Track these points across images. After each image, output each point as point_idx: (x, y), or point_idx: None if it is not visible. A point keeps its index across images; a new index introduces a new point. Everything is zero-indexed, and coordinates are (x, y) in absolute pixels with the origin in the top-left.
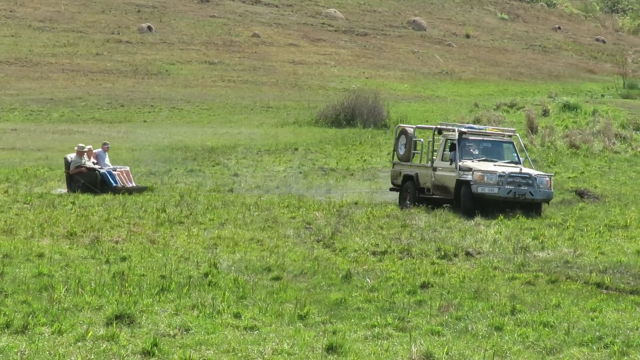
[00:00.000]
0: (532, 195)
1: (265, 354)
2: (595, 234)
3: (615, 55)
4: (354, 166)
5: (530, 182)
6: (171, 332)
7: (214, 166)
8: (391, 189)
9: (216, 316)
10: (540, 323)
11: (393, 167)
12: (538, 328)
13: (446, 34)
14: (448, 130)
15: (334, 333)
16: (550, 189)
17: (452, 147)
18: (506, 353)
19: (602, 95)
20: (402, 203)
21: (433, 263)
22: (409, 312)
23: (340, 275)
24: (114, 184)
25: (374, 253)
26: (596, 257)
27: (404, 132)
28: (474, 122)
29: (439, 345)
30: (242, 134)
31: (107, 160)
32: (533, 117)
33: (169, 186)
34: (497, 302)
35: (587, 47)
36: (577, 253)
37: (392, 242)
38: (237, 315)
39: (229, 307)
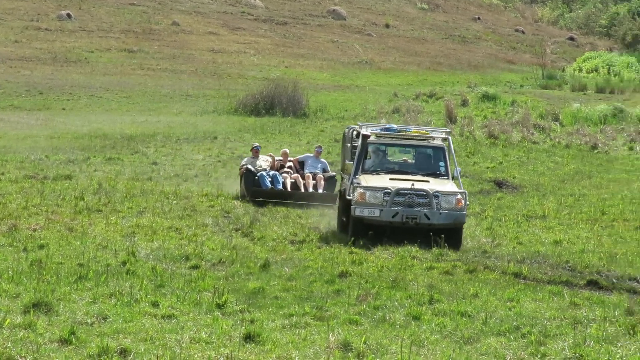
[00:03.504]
0: (429, 218)
1: (183, 343)
2: (513, 224)
3: (534, 45)
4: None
5: (427, 201)
6: (89, 321)
7: (132, 154)
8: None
9: (134, 304)
10: (458, 313)
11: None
12: (456, 318)
13: (366, 23)
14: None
15: (251, 322)
16: (461, 210)
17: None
18: (424, 342)
19: (521, 86)
20: (338, 226)
21: (351, 252)
22: (327, 301)
23: (259, 264)
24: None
25: (292, 242)
26: (514, 247)
27: (343, 136)
28: (393, 112)
29: (357, 334)
30: (161, 122)
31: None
32: (452, 107)
33: (87, 174)
34: (415, 292)
35: (506, 37)
36: (495, 243)
37: (311, 231)
38: (155, 304)
39: (146, 295)
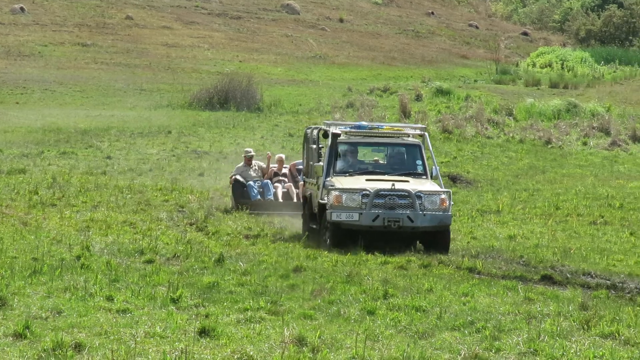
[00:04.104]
0: (412, 221)
1: (137, 337)
2: (468, 218)
3: (488, 40)
4: (227, 149)
5: (409, 202)
6: (43, 315)
7: (86, 148)
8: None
9: (88, 299)
10: (413, 307)
11: (304, 186)
12: (410, 312)
13: (320, 18)
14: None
15: (206, 316)
16: (446, 211)
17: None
18: (378, 337)
19: (475, 81)
20: (304, 233)
21: (306, 247)
22: (281, 295)
23: (213, 259)
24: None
25: (246, 237)
26: (468, 242)
27: (305, 136)
28: (347, 107)
29: (312, 329)
30: (115, 116)
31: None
32: (406, 101)
33: (41, 168)
34: (370, 287)
35: (460, 32)
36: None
37: (265, 225)
38: (109, 298)
39: (101, 289)
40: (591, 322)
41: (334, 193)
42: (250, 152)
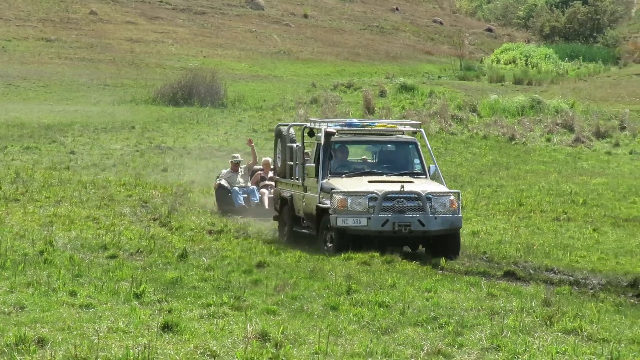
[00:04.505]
0: (424, 225)
1: (100, 332)
2: None
3: (452, 37)
4: (191, 145)
5: (420, 204)
6: (6, 310)
7: (50, 144)
8: (274, 218)
9: (51, 294)
10: (376, 303)
11: (275, 186)
12: (373, 308)
13: (284, 13)
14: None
15: (169, 312)
16: (456, 213)
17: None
18: (341, 332)
19: (439, 77)
20: (281, 237)
21: (269, 242)
22: (244, 291)
23: (176, 254)
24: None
25: (210, 232)
26: None
27: (278, 134)
28: (311, 103)
29: (275, 324)
30: (79, 111)
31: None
32: (370, 97)
33: (4, 163)
34: (333, 282)
35: (424, 28)
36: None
37: (229, 221)
38: (72, 293)
39: (64, 285)
40: (554, 318)
41: (338, 196)
42: (237, 157)
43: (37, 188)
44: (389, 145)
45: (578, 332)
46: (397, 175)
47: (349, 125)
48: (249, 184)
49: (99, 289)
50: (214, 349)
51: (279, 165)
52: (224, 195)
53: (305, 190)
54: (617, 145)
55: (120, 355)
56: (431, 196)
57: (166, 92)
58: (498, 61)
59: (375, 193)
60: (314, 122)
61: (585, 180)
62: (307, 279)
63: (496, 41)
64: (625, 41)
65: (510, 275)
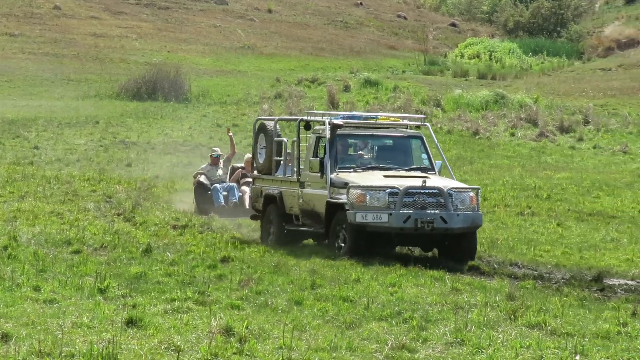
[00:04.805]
0: (446, 222)
1: (64, 327)
2: None
3: (416, 31)
4: (155, 140)
5: (442, 201)
6: None
7: (14, 139)
8: (252, 217)
9: (15, 289)
10: (340, 298)
11: (253, 183)
12: (338, 302)
13: (248, 8)
14: (319, 123)
15: (133, 307)
16: (476, 210)
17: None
18: (306, 327)
19: (403, 72)
20: (264, 238)
21: (234, 237)
22: (209, 286)
23: (141, 249)
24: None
25: (174, 227)
26: None
27: (262, 128)
28: (276, 97)
29: (239, 319)
30: (43, 106)
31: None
32: (334, 92)
33: None
34: (297, 277)
35: (388, 23)
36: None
37: (193, 216)
38: (36, 289)
39: (28, 280)
40: (518, 313)
41: (356, 191)
42: (217, 151)
43: (1, 183)
44: (394, 140)
45: (542, 327)
46: (406, 170)
47: (351, 118)
48: (227, 179)
49: (63, 284)
50: (178, 343)
51: (261, 161)
52: (203, 193)
53: (302, 186)
54: (580, 139)
55: (84, 351)
56: (452, 192)
57: (130, 87)
58: (462, 56)
59: (396, 188)
60: (311, 113)
61: (549, 174)
62: (271, 273)
63: (460, 36)
64: (589, 36)
65: (474, 269)
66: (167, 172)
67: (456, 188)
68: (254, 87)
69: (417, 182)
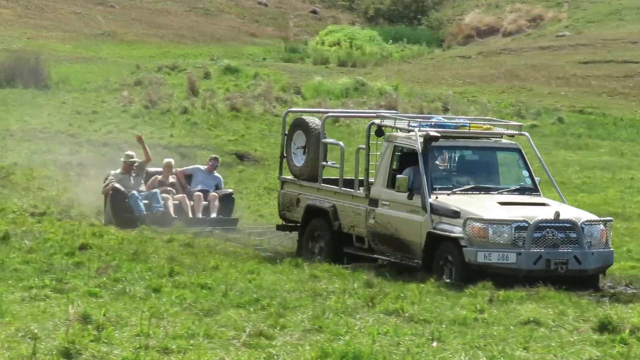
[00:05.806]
0: (580, 262)
1: None
2: (255, 196)
3: (277, 18)
4: (13, 127)
5: (574, 236)
6: None
7: None
8: (279, 228)
9: None
10: (198, 285)
11: (282, 188)
12: (196, 290)
13: None
14: (397, 129)
15: None
16: (608, 247)
17: (406, 162)
18: (164, 315)
19: (264, 59)
20: (306, 254)
21: (92, 225)
22: (67, 273)
23: None
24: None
25: (32, 214)
26: (255, 220)
27: (301, 125)
28: (135, 84)
29: (97, 306)
30: None
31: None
32: (194, 79)
33: None
34: (156, 264)
35: (249, 10)
36: (237, 215)
37: (52, 203)
38: None
39: None
40: (376, 300)
41: (476, 224)
42: (133, 157)
43: None
44: (488, 152)
45: (399, 313)
46: (508, 192)
47: (440, 126)
48: (142, 188)
49: None
50: (35, 331)
51: (297, 163)
52: (119, 201)
53: (374, 204)
54: None
55: None
56: (585, 225)
57: None
58: (323, 43)
59: (525, 221)
60: (383, 115)
61: None
62: (129, 261)
63: (321, 23)
64: (449, 23)
65: None
66: (25, 160)
67: (587, 221)
68: (114, 74)
69: (548, 214)
